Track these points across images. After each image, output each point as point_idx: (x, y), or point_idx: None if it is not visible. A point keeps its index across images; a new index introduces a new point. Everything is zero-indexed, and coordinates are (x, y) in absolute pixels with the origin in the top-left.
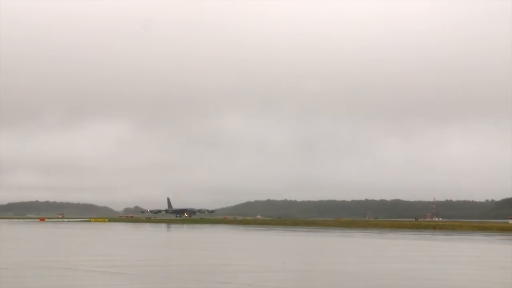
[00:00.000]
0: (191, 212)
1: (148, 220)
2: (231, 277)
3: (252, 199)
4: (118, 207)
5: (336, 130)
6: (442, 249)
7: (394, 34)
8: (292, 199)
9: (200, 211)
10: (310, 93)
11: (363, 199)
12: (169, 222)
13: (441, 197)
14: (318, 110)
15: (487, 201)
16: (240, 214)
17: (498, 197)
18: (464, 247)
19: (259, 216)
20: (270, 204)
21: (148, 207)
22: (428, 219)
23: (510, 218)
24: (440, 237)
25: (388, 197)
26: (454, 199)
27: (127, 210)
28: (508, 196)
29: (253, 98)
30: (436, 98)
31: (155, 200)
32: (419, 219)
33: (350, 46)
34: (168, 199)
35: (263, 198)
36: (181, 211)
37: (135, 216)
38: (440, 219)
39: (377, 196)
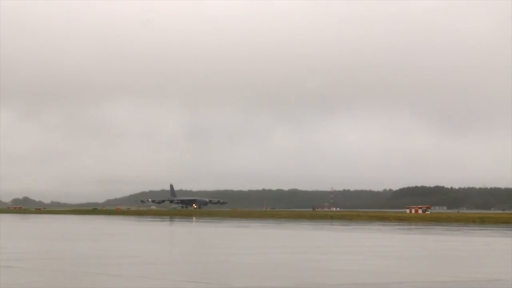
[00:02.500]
0: (202, 203)
1: (38, 211)
2: (122, 269)
3: (147, 189)
4: (6, 198)
5: (229, 117)
6: (338, 239)
7: (277, 18)
8: (188, 188)
9: (211, 201)
10: (199, 78)
11: (260, 188)
12: (61, 213)
13: (338, 187)
14: (208, 97)
15: (384, 190)
16: (134, 205)
17: (395, 187)
18: (361, 237)
19: (153, 207)
20: (164, 194)
21: (37, 197)
22: (326, 209)
23: (408, 208)
24: (337, 227)
25: (285, 186)
26: (352, 188)
27: (15, 201)
28: (405, 185)
29: (140, 83)
30: (328, 85)
31: (43, 190)
32: (316, 209)
33: (236, 28)
34: (171, 186)
35: (157, 188)
36: (189, 202)
37: (134, 207)
38: (338, 209)
39: (274, 186)
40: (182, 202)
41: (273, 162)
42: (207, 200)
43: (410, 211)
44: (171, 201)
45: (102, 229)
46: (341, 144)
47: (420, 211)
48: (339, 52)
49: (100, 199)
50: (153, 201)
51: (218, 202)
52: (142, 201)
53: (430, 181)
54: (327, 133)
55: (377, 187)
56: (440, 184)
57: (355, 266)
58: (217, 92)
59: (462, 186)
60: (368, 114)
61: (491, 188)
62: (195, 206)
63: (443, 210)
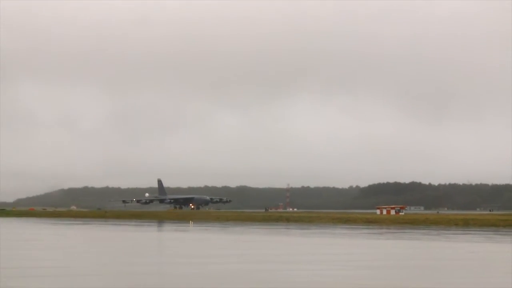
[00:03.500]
0: (202, 202)
1: None
2: (38, 283)
3: (66, 187)
4: None
5: (160, 102)
6: (296, 246)
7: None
8: (115, 186)
9: (212, 200)
10: (125, 58)
11: (202, 185)
12: None
13: (296, 183)
14: (136, 78)
15: (351, 187)
16: (50, 205)
17: (363, 183)
18: (320, 243)
19: (74, 207)
20: (87, 192)
21: None
22: (281, 210)
23: (378, 208)
24: (294, 231)
25: (232, 183)
26: (312, 185)
27: None
28: (375, 181)
29: (54, 63)
30: (278, 63)
31: None
32: (269, 210)
33: (175, 11)
34: (160, 182)
35: (79, 185)
36: (184, 201)
37: (116, 206)
38: (295, 209)
39: (218, 182)
40: (176, 201)
41: (217, 154)
42: (208, 198)
43: (381, 212)
44: (161, 201)
45: (12, 234)
46: (298, 132)
47: (392, 212)
48: (289, 22)
49: (9, 198)
50: (138, 201)
51: (221, 200)
52: (124, 201)
53: (404, 177)
54: (281, 120)
55: (342, 183)
56: (417, 180)
57: (307, 278)
58: (146, 73)
59: (443, 183)
60: (328, 96)
61: (476, 185)
62: (192, 207)
63: (420, 210)
